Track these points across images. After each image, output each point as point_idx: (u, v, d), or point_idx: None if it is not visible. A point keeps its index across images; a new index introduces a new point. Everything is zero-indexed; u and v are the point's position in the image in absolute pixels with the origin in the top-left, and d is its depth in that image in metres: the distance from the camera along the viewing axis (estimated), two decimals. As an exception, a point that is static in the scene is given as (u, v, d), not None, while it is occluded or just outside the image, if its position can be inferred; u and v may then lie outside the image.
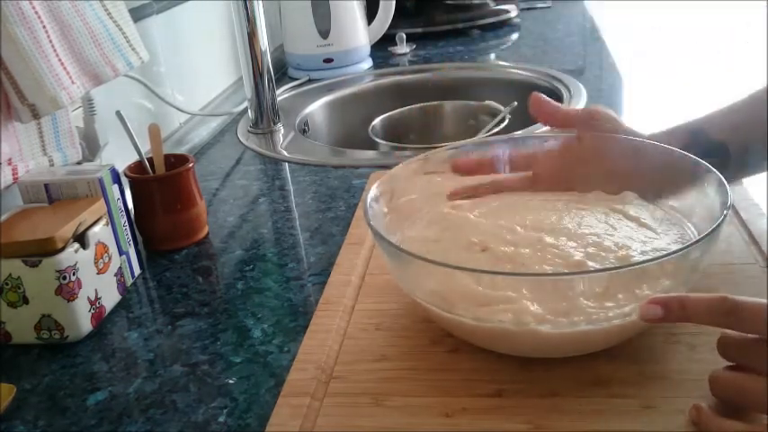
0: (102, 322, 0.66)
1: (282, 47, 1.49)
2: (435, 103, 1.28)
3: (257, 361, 0.59)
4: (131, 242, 0.73)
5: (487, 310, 0.51)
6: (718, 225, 0.50)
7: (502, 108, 1.18)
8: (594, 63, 1.36)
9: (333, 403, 0.51)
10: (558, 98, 1.16)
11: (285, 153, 1.06)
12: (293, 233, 0.80)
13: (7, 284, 0.61)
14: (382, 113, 1.23)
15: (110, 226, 0.68)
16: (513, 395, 0.50)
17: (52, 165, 0.75)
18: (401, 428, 0.48)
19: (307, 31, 1.41)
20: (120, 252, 0.70)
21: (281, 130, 1.16)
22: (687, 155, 0.61)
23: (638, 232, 0.59)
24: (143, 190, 0.77)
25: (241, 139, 1.13)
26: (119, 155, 0.82)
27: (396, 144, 1.12)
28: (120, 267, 0.69)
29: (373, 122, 1.20)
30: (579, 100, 1.12)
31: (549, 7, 1.87)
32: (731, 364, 0.45)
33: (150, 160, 0.80)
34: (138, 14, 0.96)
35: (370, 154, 1.05)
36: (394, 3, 1.51)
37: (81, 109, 0.82)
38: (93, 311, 0.64)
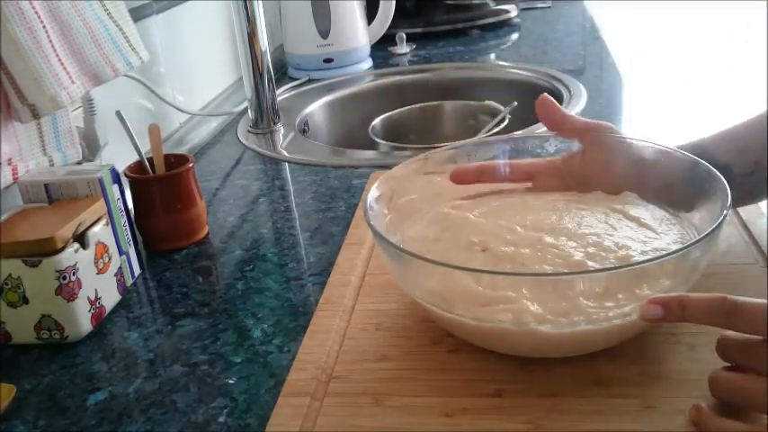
0: (102, 322, 0.66)
1: (282, 47, 1.49)
2: (435, 103, 1.28)
3: (257, 361, 0.59)
4: (131, 242, 0.73)
5: (487, 310, 0.51)
6: (718, 225, 0.50)
7: (502, 108, 1.18)
8: (594, 63, 1.36)
9: (333, 403, 0.51)
10: (558, 98, 1.16)
11: (285, 153, 1.06)
12: (293, 233, 0.81)
13: (7, 284, 0.61)
14: (382, 113, 1.23)
15: (110, 226, 0.68)
16: (514, 395, 0.50)
17: (52, 165, 0.75)
18: (401, 428, 0.48)
19: (307, 31, 1.41)
20: (120, 252, 0.70)
21: (281, 130, 1.16)
22: (687, 155, 0.61)
23: (638, 232, 0.59)
24: (143, 190, 0.77)
25: (241, 139, 1.13)
26: (119, 155, 0.82)
27: (396, 144, 1.12)
28: (120, 267, 0.69)
29: (373, 122, 1.20)
30: (579, 100, 1.12)
31: (549, 7, 1.87)
32: (730, 364, 0.46)
33: (150, 160, 0.80)
34: (138, 14, 0.96)
35: (370, 154, 1.05)
36: (394, 3, 1.51)
37: (81, 109, 0.82)
38: (93, 311, 0.64)
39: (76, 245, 0.63)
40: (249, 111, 1.16)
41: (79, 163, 0.79)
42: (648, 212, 0.62)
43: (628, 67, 1.30)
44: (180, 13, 1.13)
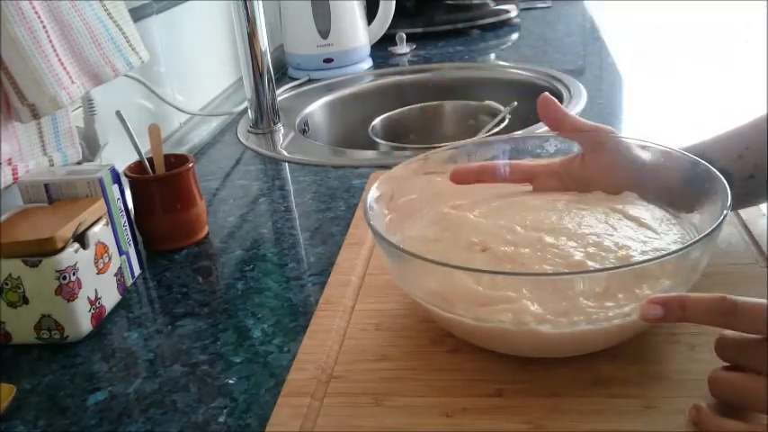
0: (102, 322, 0.66)
1: (282, 47, 1.49)
2: (435, 103, 1.28)
3: (257, 361, 0.59)
4: (131, 242, 0.73)
5: (487, 310, 0.50)
6: (718, 225, 0.50)
7: (502, 108, 1.18)
8: (594, 63, 1.36)
9: (333, 403, 0.51)
10: (559, 98, 1.15)
11: (285, 153, 1.06)
12: (293, 233, 0.81)
13: (7, 284, 0.61)
14: (382, 113, 1.23)
15: (110, 226, 0.68)
16: (514, 395, 0.50)
17: (52, 165, 0.75)
18: (401, 428, 0.48)
19: (307, 31, 1.41)
20: (120, 252, 0.70)
21: (281, 130, 1.16)
22: (687, 155, 0.61)
23: (638, 232, 0.59)
24: (143, 190, 0.77)
25: (241, 139, 1.13)
26: (119, 155, 0.82)
27: (396, 144, 1.12)
28: (120, 267, 0.69)
29: (373, 122, 1.20)
30: (579, 100, 1.12)
31: (549, 7, 1.87)
32: (729, 364, 0.46)
33: (150, 160, 0.80)
34: (138, 14, 0.96)
35: (370, 154, 1.05)
36: (394, 3, 1.51)
37: (81, 109, 0.82)
38: (93, 311, 0.64)
39: (76, 245, 0.63)
40: (249, 111, 1.16)
41: (79, 163, 0.79)
42: (648, 212, 0.62)
43: (628, 67, 1.30)
44: (180, 13, 1.13)
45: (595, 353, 0.52)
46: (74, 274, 0.62)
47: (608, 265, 0.54)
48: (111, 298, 0.67)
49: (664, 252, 0.54)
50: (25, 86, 0.68)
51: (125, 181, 0.76)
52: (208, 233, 0.82)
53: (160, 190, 0.77)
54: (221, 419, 0.52)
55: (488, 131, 1.15)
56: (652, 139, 0.65)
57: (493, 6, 1.70)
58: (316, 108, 1.30)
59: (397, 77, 1.42)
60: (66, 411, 0.55)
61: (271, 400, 0.53)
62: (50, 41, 0.69)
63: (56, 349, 0.63)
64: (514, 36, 1.64)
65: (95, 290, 0.65)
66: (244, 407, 0.53)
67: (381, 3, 1.51)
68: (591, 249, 0.56)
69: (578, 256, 0.55)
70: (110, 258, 0.68)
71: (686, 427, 0.46)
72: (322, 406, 0.51)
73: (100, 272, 0.66)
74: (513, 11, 1.70)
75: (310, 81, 1.42)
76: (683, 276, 0.51)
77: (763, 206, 0.69)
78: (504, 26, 1.70)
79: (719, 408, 0.45)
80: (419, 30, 1.64)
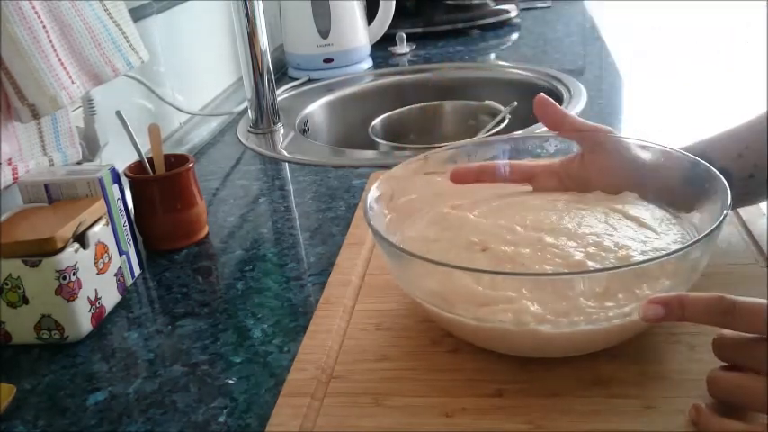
0: (102, 322, 0.66)
1: (282, 47, 1.49)
2: (435, 103, 1.28)
3: (257, 361, 0.59)
4: (131, 242, 0.73)
5: (487, 310, 0.51)
6: (718, 225, 0.50)
7: (502, 108, 1.18)
8: (594, 63, 1.36)
9: (333, 403, 0.51)
10: (558, 98, 1.16)
11: (285, 153, 1.06)
12: (293, 233, 0.81)
13: (7, 284, 0.61)
14: (382, 113, 1.23)
15: (110, 226, 0.68)
16: (514, 395, 0.50)
17: (52, 165, 0.75)
18: (401, 428, 0.48)
19: (307, 31, 1.41)
20: (120, 252, 0.70)
21: (281, 130, 1.16)
22: (687, 155, 0.61)
23: (638, 232, 0.59)
24: (143, 190, 0.77)
25: (241, 139, 1.13)
26: (119, 155, 0.82)
27: (396, 144, 1.12)
28: (120, 267, 0.69)
29: (373, 122, 1.20)
30: (579, 100, 1.12)
31: (549, 7, 1.87)
32: (727, 364, 0.46)
33: (150, 160, 0.80)
34: (138, 14, 0.96)
35: (370, 154, 1.05)
36: (394, 3, 1.51)
37: (81, 109, 0.82)
38: (93, 311, 0.64)
39: (76, 245, 0.63)
40: (249, 111, 1.16)
41: (79, 163, 0.79)
42: (648, 212, 0.62)
43: (628, 67, 1.30)
44: (180, 13, 1.13)
45: (595, 353, 0.52)
46: (74, 274, 0.62)
47: (608, 266, 0.54)
48: (111, 298, 0.67)
49: (664, 252, 0.54)
50: (25, 86, 0.68)
51: (125, 181, 0.76)
52: (208, 233, 0.82)
53: (160, 190, 0.77)
54: (221, 419, 0.52)
55: (488, 131, 1.15)
56: (652, 139, 0.65)
57: (493, 6, 1.70)
58: (316, 108, 1.30)
59: (397, 77, 1.42)
60: (66, 411, 0.55)
61: (271, 400, 0.53)
62: (50, 41, 0.69)
63: (56, 349, 0.63)
64: (514, 36, 1.64)
65: (95, 290, 0.65)
66: (244, 407, 0.53)
67: (381, 3, 1.51)
68: (591, 249, 0.56)
69: (578, 256, 0.55)
70: (110, 258, 0.68)
71: (686, 427, 0.46)
72: (322, 406, 0.51)
73: (100, 272, 0.66)
74: (513, 11, 1.70)
75: (310, 81, 1.42)
76: (683, 276, 0.51)
77: (763, 206, 0.69)
78: (504, 26, 1.70)
79: (719, 407, 0.45)
80: (419, 30, 1.64)
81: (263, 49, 1.10)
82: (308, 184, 0.93)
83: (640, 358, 0.52)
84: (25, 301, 0.62)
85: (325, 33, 1.41)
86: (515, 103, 1.17)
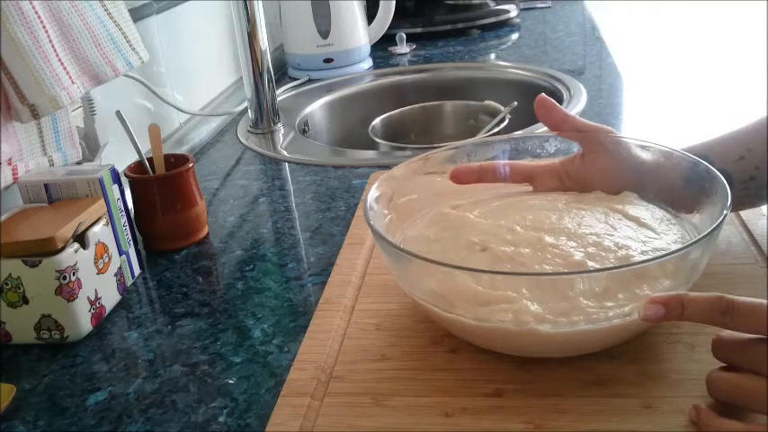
0: (102, 322, 0.66)
1: (282, 47, 1.49)
2: (435, 103, 1.28)
3: (257, 361, 0.59)
4: (131, 242, 0.73)
5: (487, 310, 0.51)
6: (718, 225, 0.50)
7: (502, 108, 1.18)
8: (594, 63, 1.36)
9: (333, 403, 0.51)
10: (558, 98, 1.16)
11: (285, 153, 1.06)
12: (293, 233, 0.81)
13: (7, 284, 0.61)
14: (382, 113, 1.23)
15: (110, 226, 0.68)
16: (513, 395, 0.50)
17: (52, 165, 0.75)
18: (401, 428, 0.48)
19: (307, 31, 1.41)
20: (120, 252, 0.70)
21: (281, 130, 1.16)
22: (687, 155, 0.61)
23: (638, 232, 0.59)
24: (143, 190, 0.77)
25: (241, 139, 1.13)
26: (119, 155, 0.82)
27: (396, 144, 1.12)
28: (120, 267, 0.69)
29: (373, 122, 1.20)
30: (579, 100, 1.12)
31: (548, 7, 1.87)
32: (726, 364, 0.46)
33: (150, 160, 0.80)
34: (138, 14, 0.96)
35: (370, 154, 1.05)
36: (394, 3, 1.51)
37: (81, 109, 0.82)
38: (93, 311, 0.64)
39: (76, 245, 0.63)
40: (249, 111, 1.16)
41: (79, 163, 0.79)
42: (648, 212, 0.62)
43: (628, 67, 1.30)
44: (180, 13, 1.13)
45: (595, 353, 0.52)
46: (74, 274, 0.62)
47: (608, 265, 0.54)
48: (111, 298, 0.68)
49: (664, 252, 0.54)
50: (25, 86, 0.68)
51: (125, 181, 0.76)
52: (208, 233, 0.82)
53: (160, 190, 0.77)
54: (221, 419, 0.52)
55: (488, 131, 1.15)
56: (652, 139, 0.65)
57: (493, 6, 1.70)
58: (316, 108, 1.30)
59: (397, 77, 1.42)
60: (66, 411, 0.55)
61: (271, 400, 0.53)
62: (50, 41, 0.69)
63: (56, 349, 0.63)
64: (514, 36, 1.64)
65: (95, 290, 0.65)
66: (244, 407, 0.53)
67: (381, 3, 1.51)
68: (591, 249, 0.56)
69: (578, 255, 0.55)
70: (110, 258, 0.68)
71: (686, 427, 0.46)
72: (322, 406, 0.51)
73: (100, 272, 0.66)
74: (513, 11, 1.71)
75: (310, 81, 1.42)
76: (683, 276, 0.51)
77: (763, 206, 0.69)
78: (504, 26, 1.70)
79: (719, 407, 0.45)
80: (419, 30, 1.64)
81: (263, 49, 1.10)
82: (308, 184, 0.93)
83: (640, 358, 0.52)
84: (25, 301, 0.62)
85: (325, 33, 1.41)
86: (515, 103, 1.17)
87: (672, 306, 0.45)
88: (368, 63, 1.48)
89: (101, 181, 0.68)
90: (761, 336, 0.43)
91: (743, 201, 0.64)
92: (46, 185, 0.69)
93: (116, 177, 0.71)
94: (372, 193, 0.63)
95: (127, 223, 0.72)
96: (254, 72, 1.12)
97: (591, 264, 0.54)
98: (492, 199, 0.68)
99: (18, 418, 0.55)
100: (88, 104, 0.82)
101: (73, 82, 0.72)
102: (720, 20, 3.45)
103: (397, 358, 0.55)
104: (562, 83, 1.22)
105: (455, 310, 0.52)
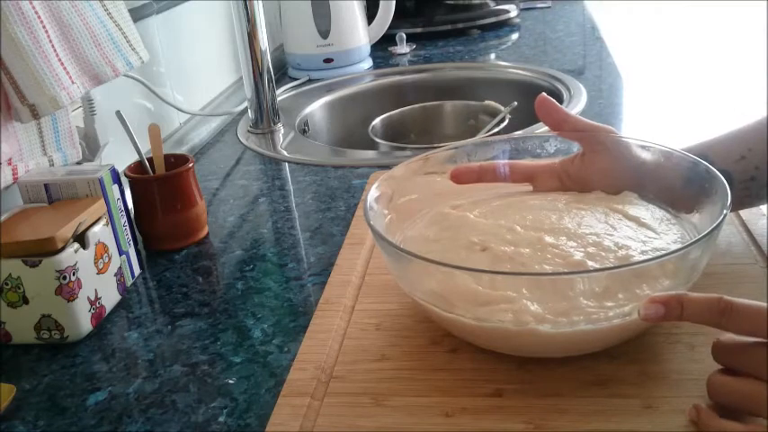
0: (102, 322, 0.66)
1: (282, 47, 1.49)
2: (435, 103, 1.28)
3: (257, 361, 0.59)
4: (131, 242, 0.73)
5: (487, 310, 0.51)
6: (718, 225, 0.50)
7: (502, 108, 1.18)
8: (594, 63, 1.36)
9: (333, 403, 0.51)
10: (559, 98, 1.16)
11: (285, 153, 1.06)
12: (293, 233, 0.81)
13: (7, 284, 0.61)
14: (382, 113, 1.23)
15: (110, 226, 0.68)
16: (513, 395, 0.50)
17: (52, 165, 0.75)
18: (401, 428, 0.48)
19: (307, 31, 1.41)
20: (120, 252, 0.70)
21: (281, 130, 1.16)
22: (687, 155, 0.61)
23: (637, 232, 0.59)
24: (143, 190, 0.77)
25: (241, 139, 1.13)
26: (119, 155, 0.82)
27: (396, 144, 1.12)
28: (120, 267, 0.69)
29: (373, 122, 1.20)
30: (579, 100, 1.12)
31: (548, 7, 1.87)
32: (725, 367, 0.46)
33: (150, 160, 0.80)
34: (138, 14, 0.96)
35: (370, 154, 1.05)
36: (394, 3, 1.51)
37: (81, 109, 0.82)
38: (93, 311, 0.64)
39: (76, 245, 0.63)
40: (249, 111, 1.16)
41: (79, 163, 0.79)
42: (648, 212, 0.62)
43: (628, 67, 1.30)
44: (180, 13, 1.13)
45: (595, 353, 0.52)
46: (74, 274, 0.62)
47: (608, 265, 0.54)
48: (111, 298, 0.68)
49: (663, 252, 0.54)
50: (25, 86, 0.68)
51: (125, 181, 0.76)
52: (208, 233, 0.82)
53: (160, 190, 0.77)
54: (221, 419, 0.52)
55: (488, 131, 1.15)
56: (652, 139, 0.65)
57: (493, 6, 1.70)
58: (316, 108, 1.30)
59: (397, 77, 1.42)
60: (66, 411, 0.55)
61: (271, 400, 0.53)
62: (50, 41, 0.69)
63: (56, 349, 0.63)
64: (514, 36, 1.64)
65: (95, 290, 0.65)
66: (244, 407, 0.53)
67: (381, 3, 1.51)
68: (591, 249, 0.56)
69: (578, 255, 0.55)
70: (110, 258, 0.68)
71: (686, 427, 0.46)
72: (322, 406, 0.51)
73: (100, 272, 0.66)
74: (513, 11, 1.71)
75: (310, 81, 1.42)
76: (683, 276, 0.51)
77: (762, 206, 0.69)
78: (504, 26, 1.70)
79: (719, 408, 0.45)
80: (419, 30, 1.64)
81: (263, 49, 1.10)
82: (308, 184, 0.93)
83: (640, 358, 0.52)
84: (25, 301, 0.62)
85: (325, 33, 1.41)
86: (515, 103, 1.17)
87: (671, 306, 0.45)
88: (368, 63, 1.48)
89: (101, 181, 0.68)
90: (760, 339, 0.43)
91: (743, 201, 0.64)
92: (46, 185, 0.69)
93: (116, 177, 0.71)
94: (372, 193, 0.63)
95: (127, 223, 0.72)
96: (254, 72, 1.12)
97: (591, 264, 0.54)
98: (492, 199, 0.68)
99: (18, 418, 0.55)
100: (88, 104, 0.82)
101: (73, 82, 0.72)
102: (720, 20, 3.45)
103: (397, 358, 0.55)
104: (562, 83, 1.22)
105: (455, 310, 0.52)
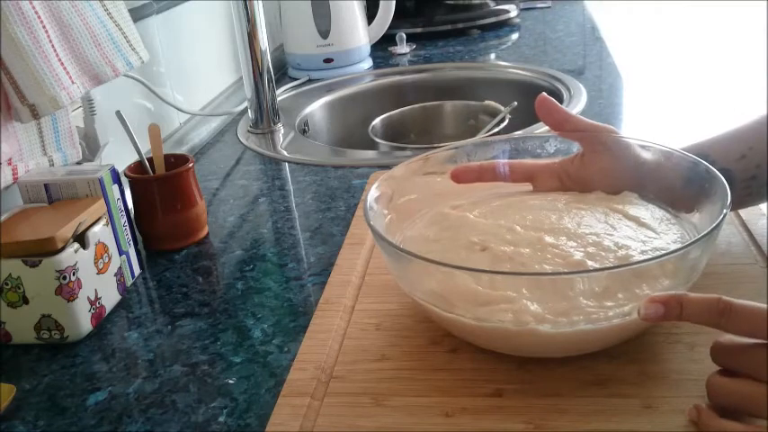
0: (102, 322, 0.66)
1: (282, 47, 1.49)
2: (435, 103, 1.28)
3: (257, 361, 0.59)
4: (131, 242, 0.73)
5: (487, 310, 0.51)
6: (718, 225, 0.50)
7: (502, 108, 1.18)
8: (594, 63, 1.36)
9: (333, 403, 0.51)
10: (559, 98, 1.16)
11: (285, 153, 1.06)
12: (293, 233, 0.81)
13: (7, 284, 0.61)
14: (382, 113, 1.23)
15: (110, 226, 0.68)
16: (513, 395, 0.50)
17: (52, 165, 0.75)
18: (401, 428, 0.48)
19: (307, 31, 1.41)
20: (120, 252, 0.70)
21: (281, 130, 1.16)
22: (687, 155, 0.61)
23: (637, 232, 0.59)
24: (143, 190, 0.77)
25: (241, 139, 1.13)
26: (119, 155, 0.82)
27: (396, 144, 1.12)
28: (119, 267, 0.69)
29: (373, 122, 1.20)
30: (579, 100, 1.12)
31: (548, 7, 1.87)
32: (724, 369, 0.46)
33: (150, 160, 0.80)
34: (138, 14, 0.96)
35: (370, 154, 1.05)
36: (394, 3, 1.51)
37: (81, 109, 0.82)
38: (93, 311, 0.64)
39: (76, 245, 0.63)
40: (249, 111, 1.16)
41: (79, 163, 0.79)
42: (648, 212, 0.62)
43: (628, 67, 1.30)
44: (180, 13, 1.13)
45: (595, 353, 0.52)
46: (74, 274, 0.62)
47: (608, 265, 0.54)
48: (111, 298, 0.68)
49: (663, 251, 0.54)
50: (25, 86, 0.68)
51: (125, 181, 0.76)
52: (208, 233, 0.82)
53: (160, 190, 0.77)
54: (221, 419, 0.52)
55: (488, 131, 1.15)
56: (652, 139, 0.65)
57: (493, 6, 1.70)
58: (316, 108, 1.30)
59: (397, 77, 1.42)
60: (66, 411, 0.55)
61: (271, 400, 0.53)
62: (50, 41, 0.69)
63: (56, 349, 0.63)
64: (514, 36, 1.64)
65: (95, 290, 0.65)
66: (244, 407, 0.53)
67: (381, 3, 1.51)
68: (590, 249, 0.56)
69: (578, 255, 0.55)
70: (110, 258, 0.68)
71: (686, 427, 0.46)
72: (322, 406, 0.51)
73: (100, 272, 0.66)
74: (513, 11, 1.71)
75: (310, 81, 1.42)
76: (682, 276, 0.51)
77: (763, 206, 0.69)
78: (504, 26, 1.70)
79: (719, 408, 0.45)
80: (419, 30, 1.64)
81: (263, 49, 1.11)
82: (308, 184, 0.93)
83: (640, 358, 0.52)
84: (25, 301, 0.62)
85: (325, 33, 1.41)
86: (515, 103, 1.17)
87: (671, 306, 0.45)
88: (368, 63, 1.48)
89: (101, 181, 0.68)
90: (759, 340, 0.43)
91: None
92: (46, 185, 0.69)
93: (116, 177, 0.71)
94: (372, 193, 0.63)
95: (127, 223, 0.72)
96: (254, 72, 1.12)
97: (591, 263, 0.54)
98: (492, 199, 0.68)
99: (18, 418, 0.55)
100: (88, 104, 0.82)
101: (73, 82, 0.72)
102: (720, 20, 3.45)
103: (397, 358, 0.55)
104: (562, 83, 1.22)
105: (455, 310, 0.52)
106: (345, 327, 0.60)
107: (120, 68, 0.79)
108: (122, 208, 0.72)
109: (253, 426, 0.51)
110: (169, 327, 0.65)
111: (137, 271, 0.73)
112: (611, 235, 0.58)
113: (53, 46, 0.70)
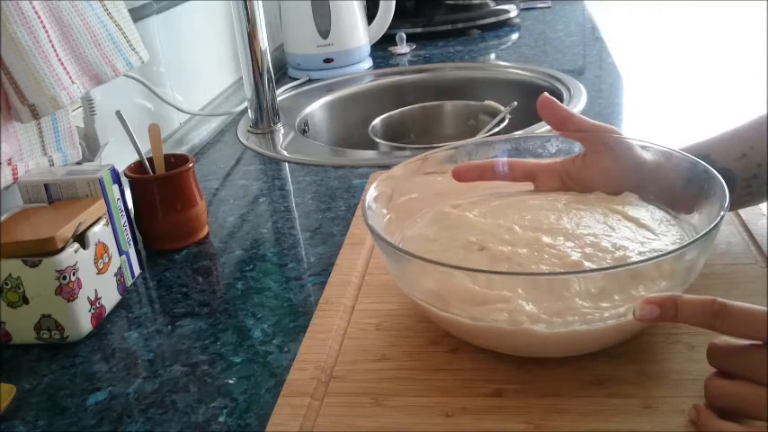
0: (102, 322, 0.66)
1: (282, 47, 1.50)
2: (435, 103, 1.28)
3: (257, 361, 0.59)
4: (131, 242, 0.73)
5: (483, 310, 0.51)
6: (715, 226, 0.50)
7: (502, 108, 1.18)
8: (594, 63, 1.36)
9: (333, 403, 0.51)
10: (559, 98, 1.15)
11: (285, 153, 1.06)
12: (293, 233, 0.81)
13: (7, 284, 0.61)
14: (382, 113, 1.23)
15: (110, 226, 0.68)
16: (513, 395, 0.50)
17: (52, 165, 0.75)
18: (401, 428, 0.48)
19: (307, 31, 1.41)
20: (120, 252, 0.70)
21: (281, 130, 1.16)
22: (686, 155, 0.61)
23: (636, 233, 0.59)
24: (143, 190, 0.77)
25: (241, 139, 1.13)
26: (119, 155, 0.82)
27: (396, 144, 1.12)
28: (120, 267, 0.69)
29: (373, 122, 1.20)
30: (579, 100, 1.12)
31: (548, 7, 1.87)
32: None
33: (150, 160, 0.80)
34: (138, 14, 0.96)
35: (370, 154, 1.05)
36: (394, 3, 1.51)
37: (81, 109, 0.82)
38: (93, 311, 0.64)
39: (76, 245, 0.63)
40: (249, 111, 1.16)
41: (79, 163, 0.79)
42: (648, 213, 0.62)
43: (628, 67, 1.30)
44: (180, 13, 1.13)
45: (595, 353, 0.52)
46: (74, 274, 0.62)
47: (604, 266, 0.54)
48: (111, 298, 0.68)
49: (660, 252, 0.54)
50: (25, 86, 0.68)
51: (125, 181, 0.76)
52: (208, 233, 0.82)
53: (160, 190, 0.77)
54: (221, 419, 0.52)
55: (488, 131, 1.15)
56: (652, 139, 0.65)
57: (493, 6, 1.70)
58: (316, 108, 1.30)
59: (397, 77, 1.42)
60: (66, 411, 0.55)
61: (271, 400, 0.53)
62: (50, 41, 0.69)
63: (56, 349, 0.63)
64: (514, 36, 1.64)
65: (95, 290, 0.65)
66: (244, 407, 0.54)
67: (381, 3, 1.51)
68: (588, 250, 0.56)
69: (575, 256, 0.55)
70: (110, 258, 0.68)
71: (685, 428, 0.46)
72: (322, 406, 0.51)
73: (100, 272, 0.66)
74: (513, 11, 1.71)
75: (310, 81, 1.42)
76: (679, 277, 0.51)
77: (763, 206, 0.69)
78: (504, 26, 1.70)
79: (718, 409, 0.45)
80: (419, 30, 1.64)
81: (263, 49, 1.11)
82: (308, 184, 0.93)
83: (639, 358, 0.52)
84: (25, 301, 0.62)
85: (325, 33, 1.41)
86: (515, 103, 1.17)
87: (666, 307, 0.45)
88: (368, 63, 1.49)
89: (101, 181, 0.68)
90: (754, 342, 0.43)
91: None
92: (46, 185, 0.69)
93: (116, 177, 0.71)
94: (371, 192, 0.63)
95: (127, 223, 0.72)
96: (254, 72, 1.12)
97: (587, 264, 0.54)
98: (492, 198, 0.68)
99: (18, 418, 0.55)
100: (88, 104, 0.82)
101: (73, 82, 0.72)
102: (720, 20, 3.45)
103: (397, 358, 0.55)
104: (562, 83, 1.22)
105: (451, 310, 0.52)
106: (345, 327, 0.60)
107: (120, 68, 0.79)
108: (122, 208, 0.72)
109: (253, 426, 0.51)
110: (169, 327, 0.65)
111: (137, 271, 0.74)
112: (610, 236, 0.58)
113: (53, 46, 0.70)
